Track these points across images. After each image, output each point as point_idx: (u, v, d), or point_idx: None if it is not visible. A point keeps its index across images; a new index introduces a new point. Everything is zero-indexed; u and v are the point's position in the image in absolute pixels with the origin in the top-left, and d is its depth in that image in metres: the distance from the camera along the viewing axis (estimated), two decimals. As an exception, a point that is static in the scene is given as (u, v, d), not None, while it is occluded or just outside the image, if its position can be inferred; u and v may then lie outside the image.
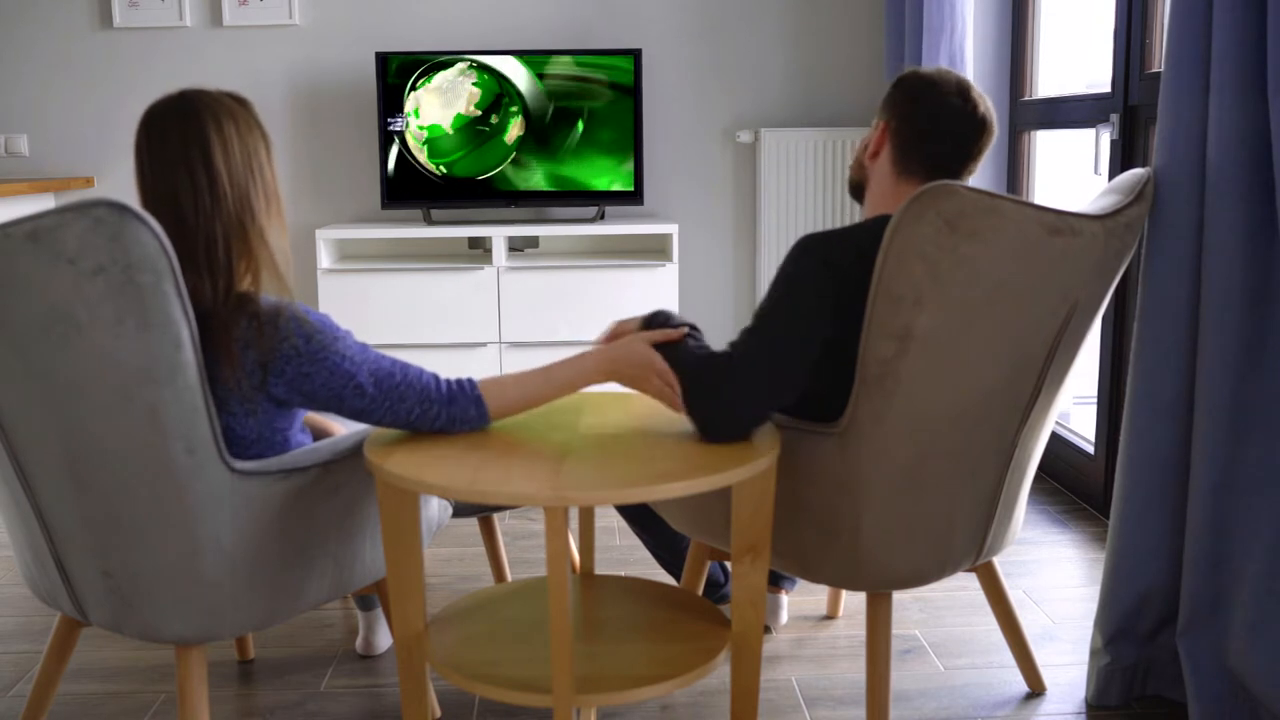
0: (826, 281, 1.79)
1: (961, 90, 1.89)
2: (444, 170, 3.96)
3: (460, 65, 3.92)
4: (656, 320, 1.89)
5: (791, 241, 4.16)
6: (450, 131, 3.94)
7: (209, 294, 1.71)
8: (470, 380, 1.80)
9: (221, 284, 1.71)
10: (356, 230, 3.90)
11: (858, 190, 2.01)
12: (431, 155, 3.95)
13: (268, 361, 1.70)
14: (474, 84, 3.93)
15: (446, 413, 1.78)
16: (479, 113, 3.95)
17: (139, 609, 1.76)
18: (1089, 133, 3.18)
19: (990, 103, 1.92)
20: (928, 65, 1.94)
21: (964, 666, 2.32)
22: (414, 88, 3.92)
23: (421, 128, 3.93)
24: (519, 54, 3.93)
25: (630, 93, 3.94)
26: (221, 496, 1.71)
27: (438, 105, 3.93)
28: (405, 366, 1.78)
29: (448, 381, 1.79)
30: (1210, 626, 1.97)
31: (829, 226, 4.14)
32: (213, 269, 1.71)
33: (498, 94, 3.94)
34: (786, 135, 4.11)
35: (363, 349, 1.76)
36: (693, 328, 1.87)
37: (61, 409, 1.63)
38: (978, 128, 1.89)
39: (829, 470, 1.84)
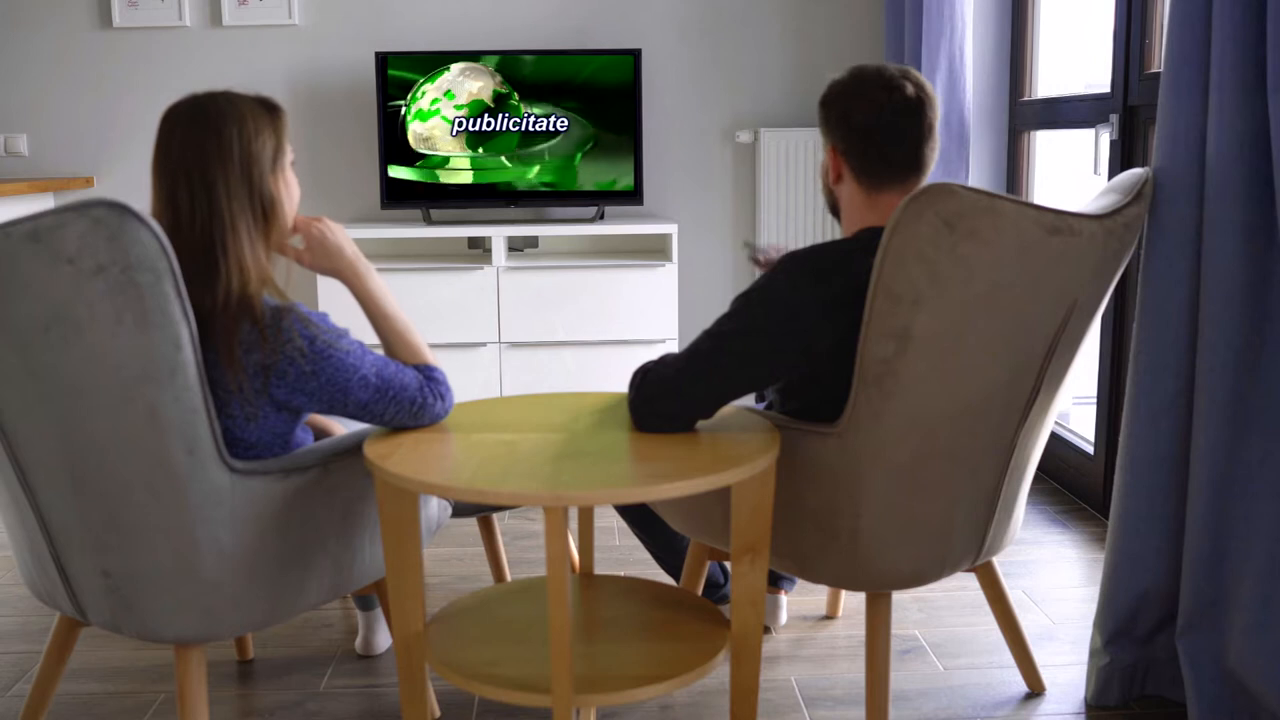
0: (797, 300, 1.79)
1: (884, 81, 1.86)
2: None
3: (460, 65, 3.92)
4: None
5: (791, 242, 4.16)
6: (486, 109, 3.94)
7: (209, 299, 1.70)
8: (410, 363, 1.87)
9: (221, 290, 1.71)
10: (356, 230, 3.90)
11: (833, 209, 2.01)
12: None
13: (270, 364, 1.70)
14: (476, 83, 3.93)
15: (442, 399, 1.84)
16: (479, 112, 3.95)
17: (138, 609, 1.76)
18: (1089, 133, 3.18)
19: (917, 74, 1.89)
20: (843, 72, 1.92)
21: (963, 666, 2.32)
22: (413, 91, 3.93)
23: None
24: (519, 54, 3.93)
25: (630, 93, 3.94)
26: (221, 497, 1.71)
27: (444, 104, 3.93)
28: (392, 361, 1.82)
29: (409, 369, 1.83)
30: (1210, 627, 1.97)
31: (829, 225, 4.14)
32: (211, 275, 1.71)
33: (499, 93, 3.94)
34: (786, 135, 4.11)
35: (361, 345, 1.77)
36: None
37: (61, 409, 1.63)
38: (915, 108, 1.86)
39: (829, 470, 1.84)
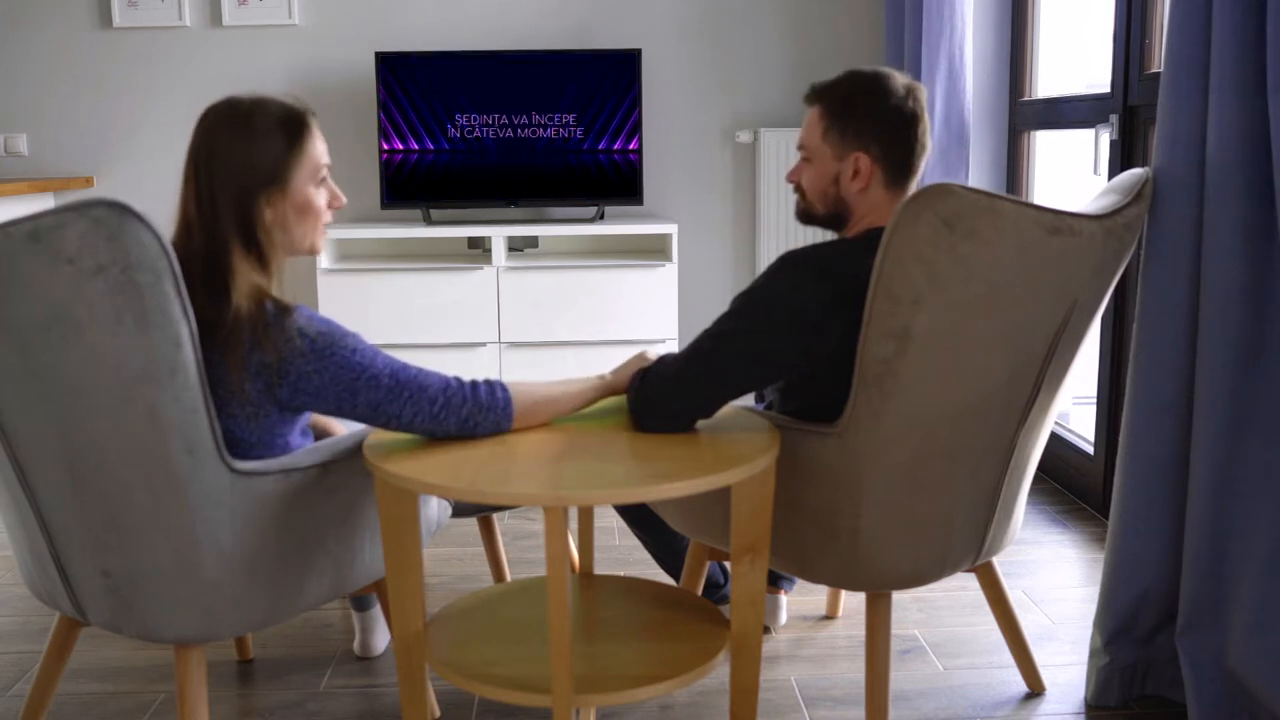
0: (798, 300, 1.79)
1: (907, 90, 1.90)
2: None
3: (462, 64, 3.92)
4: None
5: (791, 242, 4.16)
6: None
7: (214, 309, 1.70)
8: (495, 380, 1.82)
9: (227, 293, 1.71)
10: (356, 230, 3.90)
11: (826, 220, 1.98)
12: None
13: (273, 364, 1.70)
14: (474, 83, 3.93)
15: (473, 399, 1.75)
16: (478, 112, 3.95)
17: (138, 609, 1.76)
18: (1089, 133, 3.18)
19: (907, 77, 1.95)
20: (842, 80, 1.93)
21: (963, 666, 2.32)
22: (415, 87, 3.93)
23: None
24: (519, 54, 3.93)
25: (630, 93, 3.94)
26: (221, 496, 1.71)
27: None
28: (420, 367, 1.77)
29: (469, 380, 1.79)
30: (1210, 627, 1.97)
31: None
32: (218, 286, 1.71)
33: (497, 93, 3.94)
34: (786, 135, 4.10)
35: (375, 349, 1.75)
36: None
37: (61, 409, 1.63)
38: (924, 111, 1.92)
39: (829, 470, 1.84)
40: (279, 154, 1.75)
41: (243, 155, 1.73)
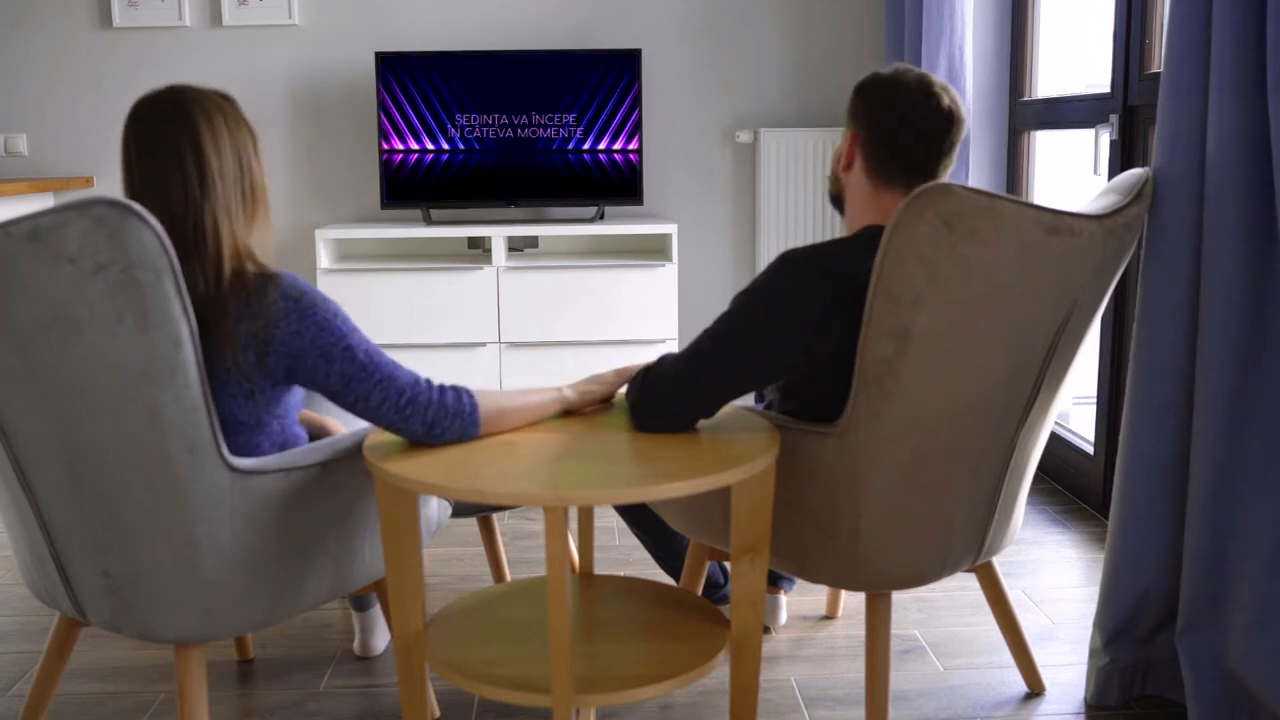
0: (798, 299, 1.79)
1: (923, 86, 1.87)
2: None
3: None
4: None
5: (791, 242, 4.16)
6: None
7: (202, 282, 1.71)
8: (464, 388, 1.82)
9: (212, 271, 1.72)
10: (356, 230, 3.90)
11: (838, 201, 2.01)
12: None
13: (260, 331, 1.70)
14: (474, 83, 3.93)
15: (439, 402, 1.75)
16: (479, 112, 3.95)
17: (138, 609, 1.76)
18: (1089, 133, 3.18)
19: (955, 93, 1.91)
20: (887, 67, 1.93)
21: (963, 666, 2.32)
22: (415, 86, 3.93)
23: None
24: (519, 54, 3.93)
25: (630, 92, 3.94)
26: (221, 496, 1.71)
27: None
28: (394, 360, 1.81)
29: (436, 384, 1.80)
30: (1210, 627, 1.97)
31: (828, 225, 4.14)
32: (203, 259, 1.72)
33: (497, 93, 3.94)
34: (786, 135, 4.11)
35: (356, 326, 1.79)
36: None
37: (61, 409, 1.63)
38: (945, 122, 1.87)
39: (829, 470, 1.84)
40: (242, 119, 1.83)
41: (231, 124, 1.79)
